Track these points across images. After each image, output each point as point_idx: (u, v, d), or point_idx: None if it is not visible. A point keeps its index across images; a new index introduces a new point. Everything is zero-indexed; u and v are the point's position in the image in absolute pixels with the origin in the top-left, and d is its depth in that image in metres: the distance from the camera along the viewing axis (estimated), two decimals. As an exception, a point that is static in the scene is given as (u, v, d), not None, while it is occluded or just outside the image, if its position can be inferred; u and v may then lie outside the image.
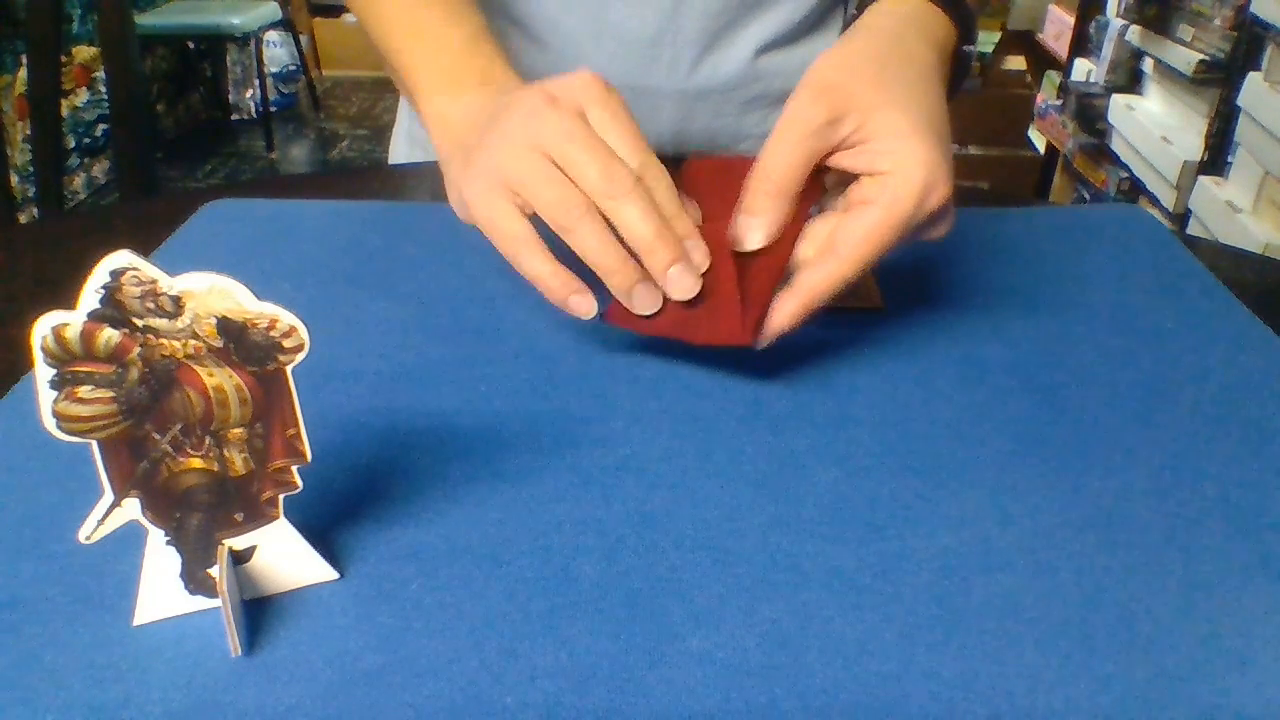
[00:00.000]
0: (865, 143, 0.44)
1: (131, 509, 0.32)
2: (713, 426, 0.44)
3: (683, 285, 0.44)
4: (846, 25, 0.75)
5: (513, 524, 0.38)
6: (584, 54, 0.71)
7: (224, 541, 0.33)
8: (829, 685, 0.31)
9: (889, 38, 0.49)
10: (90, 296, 0.29)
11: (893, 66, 0.46)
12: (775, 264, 0.44)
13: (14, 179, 2.47)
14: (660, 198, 0.45)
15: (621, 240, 0.44)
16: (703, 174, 0.50)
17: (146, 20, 3.39)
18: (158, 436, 0.32)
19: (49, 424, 0.31)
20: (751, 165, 0.45)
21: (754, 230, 0.44)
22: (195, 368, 0.31)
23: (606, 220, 0.44)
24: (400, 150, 0.86)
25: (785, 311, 0.44)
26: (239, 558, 0.34)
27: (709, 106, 0.74)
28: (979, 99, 2.87)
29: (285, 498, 0.34)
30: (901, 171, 0.43)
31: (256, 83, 3.79)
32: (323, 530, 0.37)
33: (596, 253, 0.43)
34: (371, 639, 0.33)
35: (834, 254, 0.43)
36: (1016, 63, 3.03)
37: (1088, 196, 2.36)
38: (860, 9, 0.53)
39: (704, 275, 0.44)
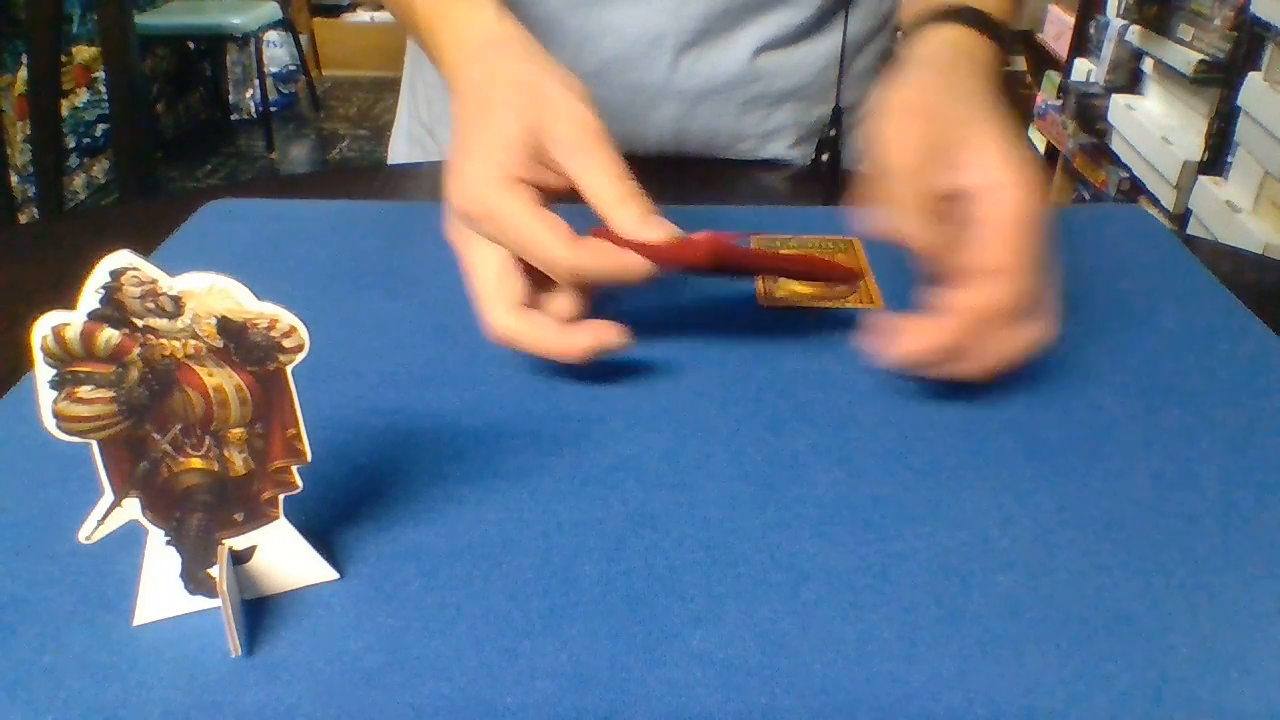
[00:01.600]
0: (963, 159, 0.44)
1: (131, 509, 0.32)
2: (713, 426, 0.44)
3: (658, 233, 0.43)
4: (858, 39, 0.75)
5: (513, 524, 0.38)
6: (584, 52, 0.71)
7: (224, 541, 0.33)
8: (829, 685, 0.31)
9: (947, 67, 0.50)
10: (90, 296, 0.29)
11: (962, 92, 0.47)
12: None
13: (14, 179, 2.47)
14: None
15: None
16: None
17: (146, 20, 3.39)
18: (158, 436, 0.32)
19: (49, 424, 0.31)
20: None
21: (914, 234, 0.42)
22: (195, 368, 0.31)
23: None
24: (400, 150, 0.86)
25: (933, 336, 0.41)
26: (239, 558, 0.34)
27: (709, 106, 0.74)
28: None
29: (285, 498, 0.34)
30: (1007, 185, 0.42)
31: (256, 83, 3.79)
32: (323, 530, 0.37)
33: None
34: (371, 639, 0.33)
35: (992, 276, 0.41)
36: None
37: (1088, 196, 2.35)
38: (901, 35, 0.53)
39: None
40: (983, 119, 0.45)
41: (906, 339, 0.41)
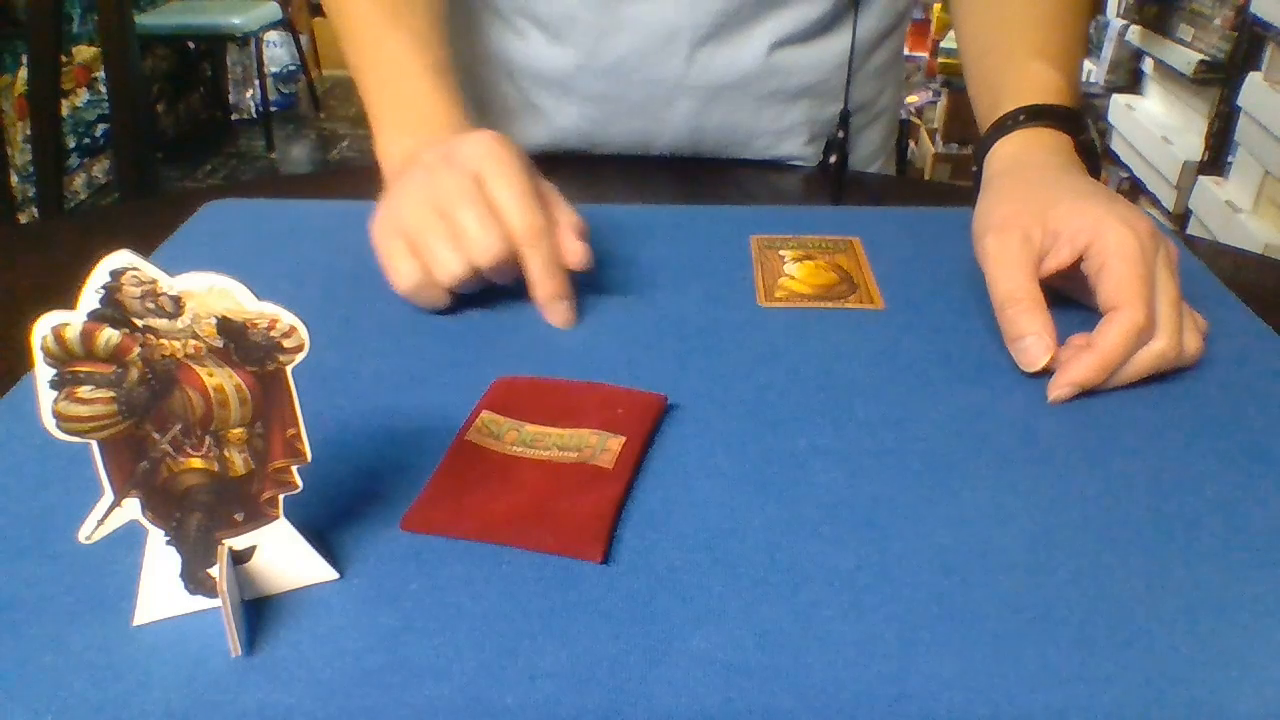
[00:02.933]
0: (1058, 236, 0.49)
1: (131, 509, 0.32)
2: (713, 426, 0.44)
3: (564, 316, 0.51)
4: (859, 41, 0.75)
5: (513, 524, 0.38)
6: (600, 47, 0.72)
7: (224, 541, 0.33)
8: (829, 685, 0.31)
9: (1030, 168, 0.54)
10: (90, 296, 0.29)
11: (1045, 185, 0.52)
12: (616, 488, 0.39)
13: (14, 179, 2.47)
14: (540, 258, 0.50)
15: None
16: (513, 391, 0.45)
17: (146, 20, 3.39)
18: (158, 436, 0.32)
19: (49, 424, 0.31)
20: (559, 386, 0.45)
21: (1038, 348, 0.46)
22: (195, 368, 0.31)
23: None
24: None
25: (1085, 366, 0.45)
26: (239, 558, 0.34)
27: (725, 101, 0.74)
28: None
29: (285, 498, 0.34)
30: (1103, 232, 0.47)
31: (256, 83, 3.79)
32: (323, 530, 0.37)
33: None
34: (371, 639, 0.33)
35: (1116, 311, 0.46)
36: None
37: (1088, 196, 2.35)
38: (977, 159, 0.59)
39: (539, 486, 0.39)
40: (1065, 194, 0.50)
41: (1072, 372, 0.46)
